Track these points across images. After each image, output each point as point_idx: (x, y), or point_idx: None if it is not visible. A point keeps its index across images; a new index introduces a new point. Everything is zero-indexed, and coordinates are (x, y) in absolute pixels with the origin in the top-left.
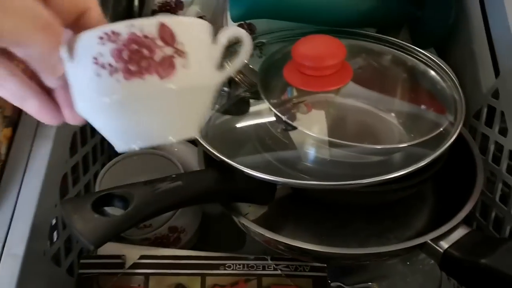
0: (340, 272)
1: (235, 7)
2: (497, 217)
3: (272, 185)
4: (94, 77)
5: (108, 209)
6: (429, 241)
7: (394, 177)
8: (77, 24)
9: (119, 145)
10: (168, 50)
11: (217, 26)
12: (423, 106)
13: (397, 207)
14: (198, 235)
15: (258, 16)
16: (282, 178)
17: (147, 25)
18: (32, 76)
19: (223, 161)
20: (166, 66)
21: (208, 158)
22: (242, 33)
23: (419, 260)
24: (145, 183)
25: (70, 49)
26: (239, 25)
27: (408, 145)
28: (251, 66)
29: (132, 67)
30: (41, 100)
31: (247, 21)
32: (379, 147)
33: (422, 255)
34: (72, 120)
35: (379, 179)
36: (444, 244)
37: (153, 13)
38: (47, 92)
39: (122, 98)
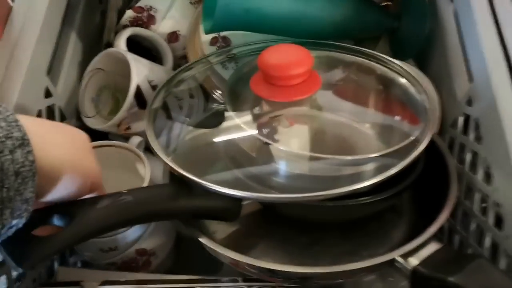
0: None
1: (207, 20)
2: (479, 228)
3: (236, 201)
4: None
5: None
6: (397, 258)
7: (362, 187)
8: None
9: None
10: None
11: (193, 40)
12: (397, 117)
13: (372, 223)
14: (172, 257)
15: (230, 28)
16: (244, 192)
17: None
18: None
19: (182, 175)
20: None
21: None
22: None
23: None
24: (89, 200)
25: None
26: (213, 38)
27: (379, 156)
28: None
29: None
30: None
31: (222, 34)
32: (349, 158)
33: None
34: None
35: (346, 189)
36: (414, 261)
37: (124, 27)
38: None
39: None
